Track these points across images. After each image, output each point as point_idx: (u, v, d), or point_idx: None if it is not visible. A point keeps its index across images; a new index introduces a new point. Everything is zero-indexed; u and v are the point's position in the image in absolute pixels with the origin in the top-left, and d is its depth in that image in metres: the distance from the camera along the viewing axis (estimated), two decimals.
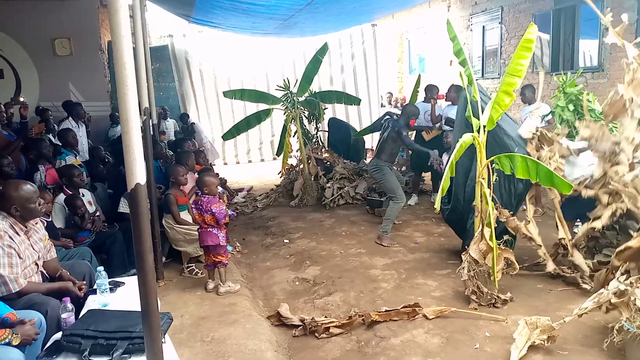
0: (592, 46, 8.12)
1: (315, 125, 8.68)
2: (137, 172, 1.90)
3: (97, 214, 4.79)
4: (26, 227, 3.15)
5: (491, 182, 3.93)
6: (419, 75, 9.16)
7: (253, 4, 6.58)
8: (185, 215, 4.95)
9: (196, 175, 5.56)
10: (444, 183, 3.68)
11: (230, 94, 8.03)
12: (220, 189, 5.57)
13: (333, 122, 9.31)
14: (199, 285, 4.57)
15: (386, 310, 3.86)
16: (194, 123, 9.99)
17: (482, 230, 4.01)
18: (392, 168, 6.07)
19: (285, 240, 6.04)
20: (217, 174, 8.50)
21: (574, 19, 8.48)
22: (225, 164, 11.10)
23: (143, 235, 1.93)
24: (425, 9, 12.38)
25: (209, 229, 4.40)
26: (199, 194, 5.33)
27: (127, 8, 1.83)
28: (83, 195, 4.68)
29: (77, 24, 8.56)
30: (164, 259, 4.93)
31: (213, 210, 4.34)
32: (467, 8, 11.19)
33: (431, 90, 7.26)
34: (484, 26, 10.79)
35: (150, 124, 4.68)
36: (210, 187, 4.46)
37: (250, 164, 11.67)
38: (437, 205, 3.68)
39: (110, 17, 1.78)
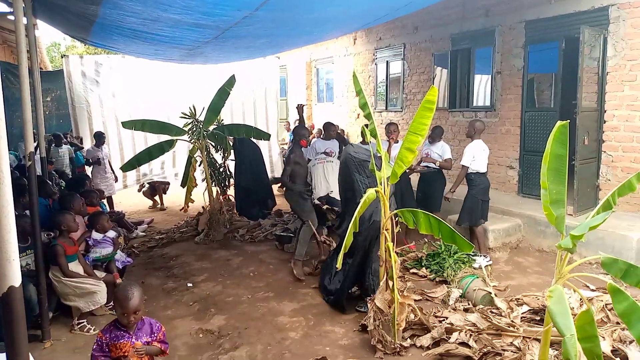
0: (486, 87, 8.77)
1: (222, 155, 8.41)
2: (11, 273, 1.68)
3: None
4: None
5: (394, 234, 4.03)
6: None
7: (157, 34, 6.29)
8: (75, 267, 4.52)
9: (86, 220, 5.17)
10: (347, 240, 3.67)
11: (129, 125, 7.53)
12: (113, 232, 5.14)
13: (241, 143, 8.20)
14: (92, 344, 4.16)
15: None
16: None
17: (386, 280, 4.10)
18: (307, 194, 6.16)
19: (189, 284, 5.74)
20: (113, 212, 8.03)
21: (469, 60, 9.10)
22: (126, 186, 10.33)
23: (19, 346, 1.70)
24: (332, 40, 12.69)
25: None
26: (89, 240, 4.94)
27: None
28: None
29: None
30: (50, 314, 4.47)
31: None
32: (372, 42, 11.62)
33: (328, 129, 7.34)
34: (387, 61, 11.26)
35: (36, 170, 4.25)
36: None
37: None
38: (339, 265, 3.65)
39: None
